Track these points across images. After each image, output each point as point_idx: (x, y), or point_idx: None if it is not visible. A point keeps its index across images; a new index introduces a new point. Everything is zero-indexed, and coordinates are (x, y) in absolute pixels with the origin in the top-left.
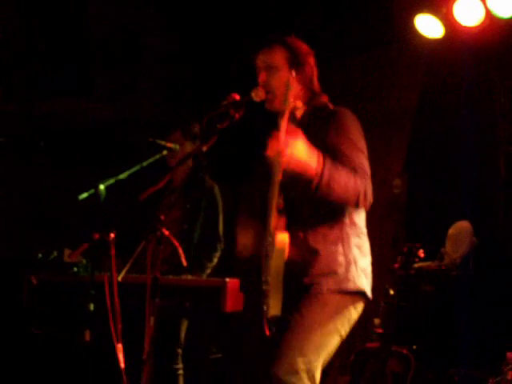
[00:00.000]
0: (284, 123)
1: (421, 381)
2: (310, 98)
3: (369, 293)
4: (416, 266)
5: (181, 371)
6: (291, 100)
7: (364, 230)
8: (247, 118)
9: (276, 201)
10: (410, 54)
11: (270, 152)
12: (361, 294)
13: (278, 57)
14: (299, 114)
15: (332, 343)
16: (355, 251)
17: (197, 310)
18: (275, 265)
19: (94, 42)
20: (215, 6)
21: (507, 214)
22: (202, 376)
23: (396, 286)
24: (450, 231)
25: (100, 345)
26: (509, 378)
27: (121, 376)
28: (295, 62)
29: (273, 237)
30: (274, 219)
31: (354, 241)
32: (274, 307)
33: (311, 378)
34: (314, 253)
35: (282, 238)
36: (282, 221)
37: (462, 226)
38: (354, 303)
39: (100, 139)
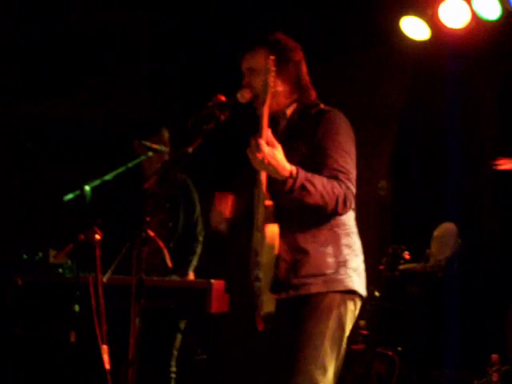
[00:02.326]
0: (263, 125)
1: (406, 382)
2: (298, 96)
3: (361, 291)
4: (401, 267)
5: (173, 375)
6: (272, 101)
7: (354, 229)
8: (233, 119)
9: (262, 196)
10: (395, 56)
11: (251, 151)
12: (352, 293)
13: (261, 59)
14: (289, 112)
15: (331, 345)
16: (345, 251)
17: (182, 311)
18: (266, 260)
19: (80, 44)
20: (203, 5)
21: (492, 216)
22: (187, 377)
23: (381, 287)
24: (436, 233)
25: (85, 346)
26: (494, 379)
27: (106, 377)
28: (278, 62)
29: (262, 232)
30: (262, 214)
31: (344, 241)
32: (267, 304)
33: None
34: (304, 253)
35: (272, 230)
36: (271, 214)
37: (447, 228)
38: (345, 302)
39: (85, 140)
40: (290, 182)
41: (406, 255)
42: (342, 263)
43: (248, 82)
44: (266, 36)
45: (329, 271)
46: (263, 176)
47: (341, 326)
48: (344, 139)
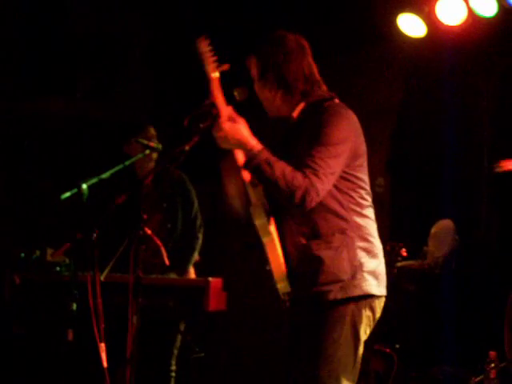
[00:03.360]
0: (219, 104)
1: (403, 379)
2: (302, 95)
3: (380, 292)
4: (399, 264)
5: (173, 374)
6: (271, 108)
7: (371, 231)
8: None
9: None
10: (392, 54)
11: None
12: (368, 297)
13: (253, 69)
14: (296, 113)
15: (345, 355)
16: (361, 254)
17: (180, 309)
18: (275, 271)
19: (77, 42)
20: (199, 6)
21: (490, 213)
22: (185, 375)
23: None
24: (433, 230)
25: (83, 344)
26: (491, 376)
27: (104, 376)
28: (264, 70)
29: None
30: (253, 196)
31: (358, 244)
32: (281, 285)
33: None
34: (319, 261)
35: (270, 240)
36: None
37: (444, 225)
38: (360, 309)
39: (82, 138)
40: (248, 156)
41: (404, 252)
42: (357, 267)
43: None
44: (258, 44)
45: (345, 277)
46: (238, 157)
47: (355, 334)
48: (332, 137)
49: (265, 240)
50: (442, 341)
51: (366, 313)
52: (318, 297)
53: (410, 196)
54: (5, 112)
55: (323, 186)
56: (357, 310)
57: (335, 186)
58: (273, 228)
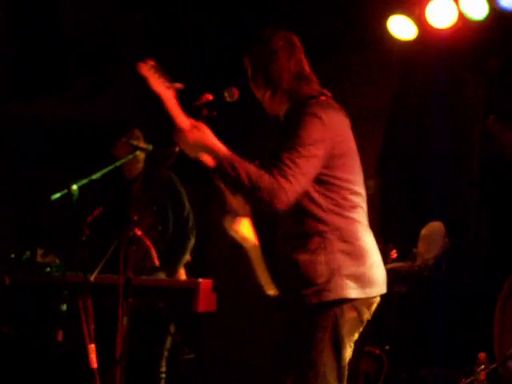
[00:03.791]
0: (173, 114)
1: (393, 381)
2: (289, 96)
3: (361, 294)
4: (388, 266)
5: (163, 375)
6: (269, 107)
7: (354, 233)
8: (220, 117)
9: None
10: (382, 56)
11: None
12: (345, 301)
13: (248, 69)
14: (282, 113)
15: (325, 358)
16: (340, 257)
17: (170, 310)
18: (253, 254)
19: (69, 41)
20: (192, 6)
21: (480, 216)
22: (175, 377)
23: None
24: (423, 232)
25: (72, 345)
26: (481, 378)
27: (93, 376)
28: (252, 71)
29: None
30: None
31: (338, 246)
32: (267, 287)
33: None
34: (295, 264)
35: (241, 231)
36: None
37: (434, 227)
38: (342, 311)
39: (73, 139)
40: (216, 161)
41: (393, 254)
42: (335, 270)
43: None
44: (251, 45)
45: (320, 280)
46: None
47: (336, 337)
48: (302, 136)
49: (246, 247)
50: (431, 342)
51: (349, 315)
52: (296, 301)
53: (400, 198)
54: None
55: (292, 187)
56: (337, 313)
57: (313, 188)
58: (250, 233)
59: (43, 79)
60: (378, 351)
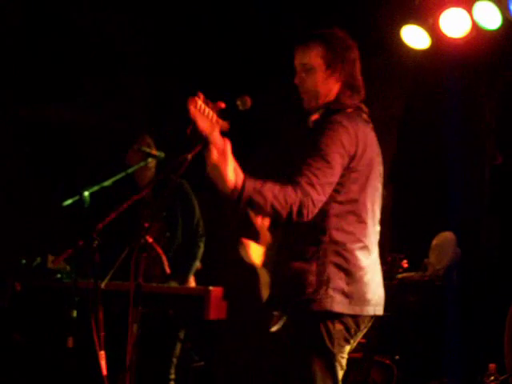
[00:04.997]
0: (215, 141)
1: None
2: (346, 97)
3: (349, 311)
4: (400, 276)
5: (172, 382)
6: (313, 99)
7: (348, 247)
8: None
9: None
10: (396, 65)
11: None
12: (330, 314)
13: (314, 55)
14: (315, 117)
15: (324, 365)
16: (331, 270)
17: (180, 318)
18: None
19: (82, 47)
20: (200, 13)
21: (491, 226)
22: None
23: None
24: (434, 242)
25: (83, 352)
26: None
27: (103, 383)
28: (332, 61)
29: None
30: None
31: (331, 259)
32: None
33: None
34: (289, 271)
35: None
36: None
37: (445, 237)
38: (332, 322)
39: (84, 146)
40: (235, 193)
41: (405, 264)
42: (323, 282)
43: (299, 79)
44: (321, 30)
45: (309, 290)
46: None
47: (323, 346)
48: (328, 147)
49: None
50: (442, 353)
51: (337, 327)
52: (286, 309)
53: (412, 208)
54: (6, 118)
55: (319, 196)
56: (324, 324)
57: None
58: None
59: (55, 85)
60: (387, 361)
